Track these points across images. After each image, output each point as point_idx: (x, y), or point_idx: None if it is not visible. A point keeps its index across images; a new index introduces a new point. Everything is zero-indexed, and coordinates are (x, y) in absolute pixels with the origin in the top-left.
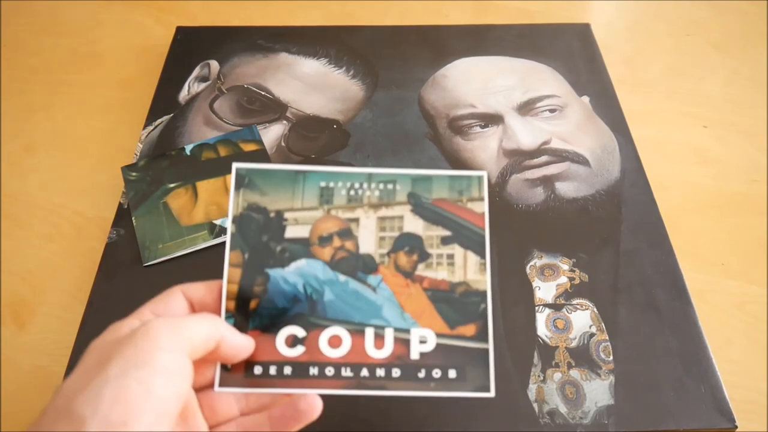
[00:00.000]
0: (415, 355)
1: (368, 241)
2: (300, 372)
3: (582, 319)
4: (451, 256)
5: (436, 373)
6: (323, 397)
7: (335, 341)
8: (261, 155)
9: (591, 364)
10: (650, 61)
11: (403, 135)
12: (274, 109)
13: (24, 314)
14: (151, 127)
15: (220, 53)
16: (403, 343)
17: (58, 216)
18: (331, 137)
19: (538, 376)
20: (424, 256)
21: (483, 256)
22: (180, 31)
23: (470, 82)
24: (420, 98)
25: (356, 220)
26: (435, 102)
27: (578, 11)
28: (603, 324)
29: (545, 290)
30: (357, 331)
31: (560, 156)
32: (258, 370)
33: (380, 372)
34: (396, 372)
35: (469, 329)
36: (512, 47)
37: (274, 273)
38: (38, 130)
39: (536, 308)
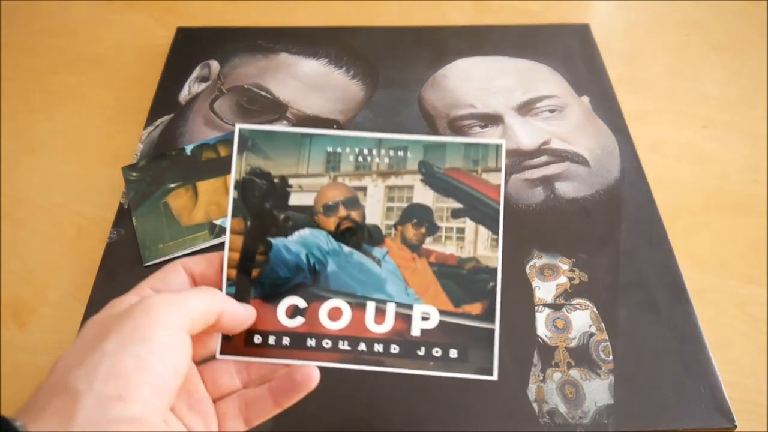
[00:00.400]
0: (416, 331)
1: (375, 211)
2: (298, 343)
3: (582, 318)
4: (461, 230)
5: (437, 351)
6: (323, 369)
7: (335, 314)
8: None
9: (591, 364)
10: (650, 61)
11: None
12: (275, 109)
13: (24, 314)
14: (151, 128)
15: (221, 53)
16: (404, 318)
17: (58, 216)
18: None
19: (538, 375)
20: (432, 230)
21: (496, 232)
22: (180, 31)
23: (470, 82)
24: (420, 98)
25: (364, 189)
26: (435, 102)
27: (578, 11)
28: (603, 324)
29: (545, 290)
30: (358, 305)
31: (560, 156)
32: (258, 339)
33: (378, 347)
34: (395, 348)
35: (476, 308)
36: (512, 47)
37: (277, 242)
38: (38, 130)
39: (536, 308)
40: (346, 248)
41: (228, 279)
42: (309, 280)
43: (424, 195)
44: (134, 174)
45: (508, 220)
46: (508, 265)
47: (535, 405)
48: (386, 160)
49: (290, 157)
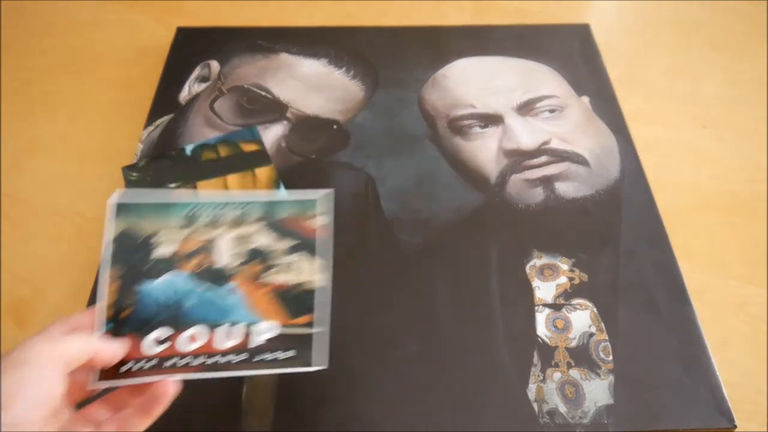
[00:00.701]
0: (261, 341)
1: (225, 255)
2: (161, 364)
3: (582, 319)
4: (293, 263)
5: (280, 354)
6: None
7: (194, 338)
8: (261, 155)
9: (591, 364)
10: (650, 61)
11: (403, 135)
12: (275, 109)
13: (24, 314)
14: (151, 128)
15: (221, 53)
16: (250, 334)
17: (58, 216)
18: (331, 137)
19: (538, 375)
20: (271, 265)
21: (321, 258)
22: (180, 31)
23: (470, 82)
24: (420, 98)
25: (215, 239)
26: (435, 102)
27: (578, 11)
28: (602, 324)
29: (545, 290)
30: (213, 327)
31: (560, 156)
32: (126, 367)
33: (228, 357)
34: (242, 356)
35: (306, 319)
36: (512, 47)
37: (146, 285)
38: (38, 130)
39: (536, 308)
40: (203, 286)
41: (107, 318)
42: (172, 314)
43: (264, 239)
44: (134, 174)
45: (509, 221)
46: (508, 265)
47: (535, 405)
48: (232, 215)
49: (157, 218)
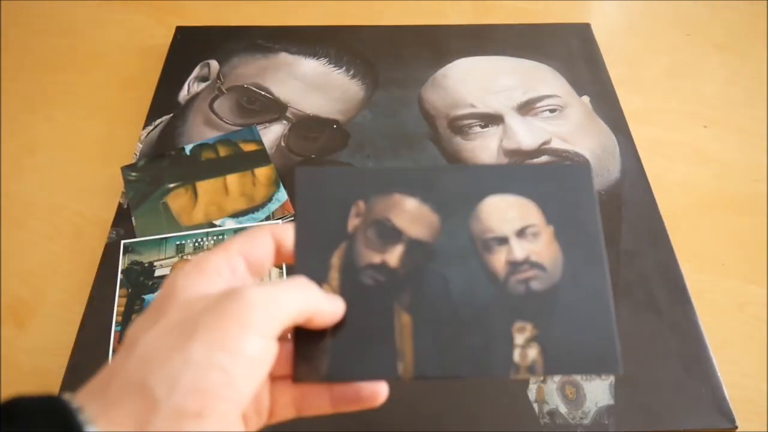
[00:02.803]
0: None
1: None
2: None
3: None
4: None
5: None
6: None
7: None
8: (261, 155)
9: None
10: (650, 61)
11: (403, 135)
12: (274, 109)
13: (24, 314)
14: (150, 127)
15: (220, 53)
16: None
17: (58, 216)
18: (331, 137)
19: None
20: None
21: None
22: (180, 31)
23: (470, 82)
24: (420, 98)
25: None
26: (435, 102)
27: (578, 11)
28: None
29: None
30: None
31: (560, 156)
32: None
33: None
34: None
35: None
36: (512, 47)
37: (148, 298)
38: (38, 130)
39: None
40: None
41: (116, 322)
42: None
43: None
44: (134, 174)
45: None
46: None
47: (535, 405)
48: (212, 241)
49: (155, 250)
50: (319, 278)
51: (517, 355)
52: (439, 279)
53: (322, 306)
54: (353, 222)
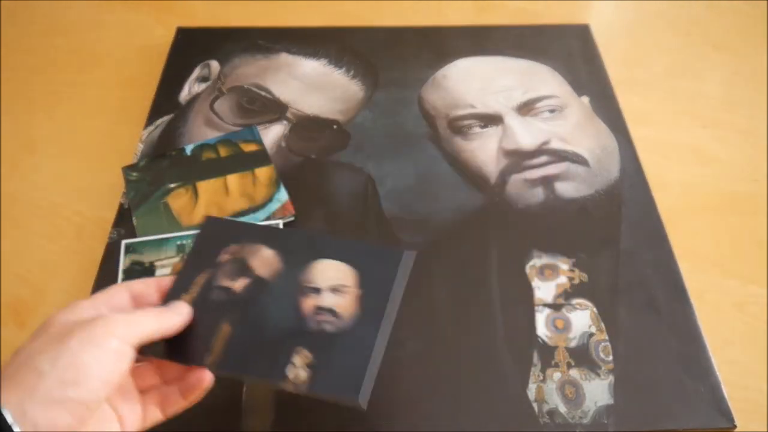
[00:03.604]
0: None
1: None
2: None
3: (581, 318)
4: None
5: None
6: None
7: None
8: (261, 155)
9: (590, 364)
10: (650, 61)
11: (403, 135)
12: (275, 109)
13: (24, 314)
14: (151, 128)
15: (221, 53)
16: None
17: (58, 216)
18: (331, 137)
19: (538, 375)
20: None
21: None
22: (180, 31)
23: (470, 82)
24: (420, 98)
25: None
26: (435, 102)
27: (578, 11)
28: (602, 324)
29: (545, 290)
30: None
31: (560, 156)
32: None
33: None
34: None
35: None
36: (512, 47)
37: None
38: (38, 130)
39: (536, 308)
40: None
41: None
42: None
43: None
44: (134, 174)
45: (509, 221)
46: (508, 265)
47: (535, 405)
48: None
49: (156, 250)
50: (185, 288)
51: (290, 371)
52: (263, 307)
53: (173, 322)
54: (224, 257)
